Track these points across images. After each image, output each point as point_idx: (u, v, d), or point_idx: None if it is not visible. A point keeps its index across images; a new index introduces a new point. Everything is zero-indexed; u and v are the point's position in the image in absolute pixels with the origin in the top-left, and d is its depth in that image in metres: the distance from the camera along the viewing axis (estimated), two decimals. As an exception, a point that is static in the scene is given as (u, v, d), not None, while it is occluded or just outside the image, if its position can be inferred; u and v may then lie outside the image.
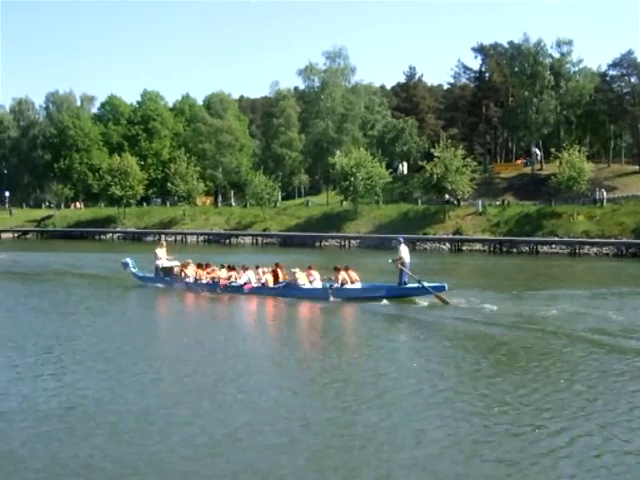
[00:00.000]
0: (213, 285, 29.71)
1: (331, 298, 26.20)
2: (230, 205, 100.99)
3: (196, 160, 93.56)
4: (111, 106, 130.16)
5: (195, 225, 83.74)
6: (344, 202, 79.35)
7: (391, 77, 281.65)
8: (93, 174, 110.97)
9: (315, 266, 29.05)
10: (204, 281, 30.18)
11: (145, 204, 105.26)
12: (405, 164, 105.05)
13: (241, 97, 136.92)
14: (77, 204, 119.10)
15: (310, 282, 27.56)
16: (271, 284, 28.23)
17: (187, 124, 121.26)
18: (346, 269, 27.43)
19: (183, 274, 31.29)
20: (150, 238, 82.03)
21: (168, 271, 32.27)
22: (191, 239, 78.79)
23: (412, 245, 63.24)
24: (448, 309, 23.88)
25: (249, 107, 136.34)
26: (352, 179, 72.67)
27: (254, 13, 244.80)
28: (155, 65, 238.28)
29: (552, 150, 71.02)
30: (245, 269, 29.59)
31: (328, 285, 26.94)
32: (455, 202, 70.98)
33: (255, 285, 28.63)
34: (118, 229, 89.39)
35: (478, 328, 20.39)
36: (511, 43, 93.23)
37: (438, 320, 22.01)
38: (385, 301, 25.95)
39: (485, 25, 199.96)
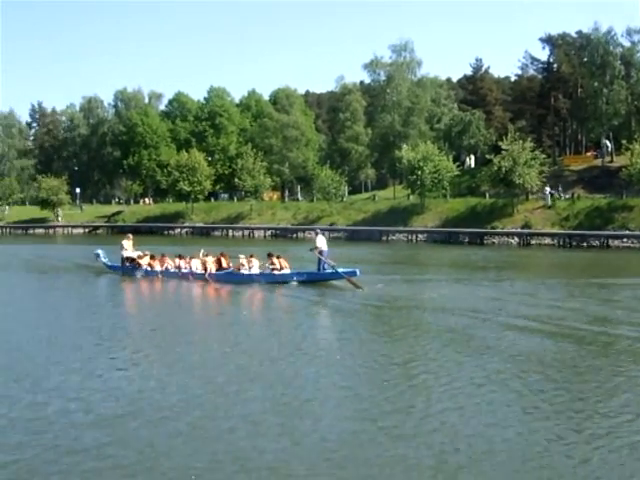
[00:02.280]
0: (166, 272, 34.45)
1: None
2: (297, 200, 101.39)
3: (263, 155, 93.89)
4: (178, 103, 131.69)
5: (262, 220, 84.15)
6: (411, 196, 79.01)
7: (457, 70, 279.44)
8: (161, 170, 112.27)
9: (285, 257, 32.59)
10: (157, 269, 34.93)
11: (213, 199, 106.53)
12: (472, 157, 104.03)
13: (307, 92, 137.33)
14: (146, 200, 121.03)
15: (250, 269, 31.67)
16: (213, 271, 32.54)
17: (253, 120, 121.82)
18: (278, 257, 31.53)
19: (142, 263, 35.97)
20: (218, 233, 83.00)
21: (131, 261, 36.96)
22: (258, 234, 79.19)
23: (480, 239, 63.09)
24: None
25: (315, 102, 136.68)
26: (419, 173, 72.24)
27: (320, 7, 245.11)
28: (221, 61, 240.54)
29: (623, 142, 69.64)
30: (192, 258, 34.12)
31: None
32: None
33: (199, 272, 32.88)
34: (186, 224, 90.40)
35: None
36: (580, 33, 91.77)
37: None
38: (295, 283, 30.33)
39: (552, 15, 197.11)
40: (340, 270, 29.64)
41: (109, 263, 38.29)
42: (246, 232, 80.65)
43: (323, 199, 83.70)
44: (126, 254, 37.29)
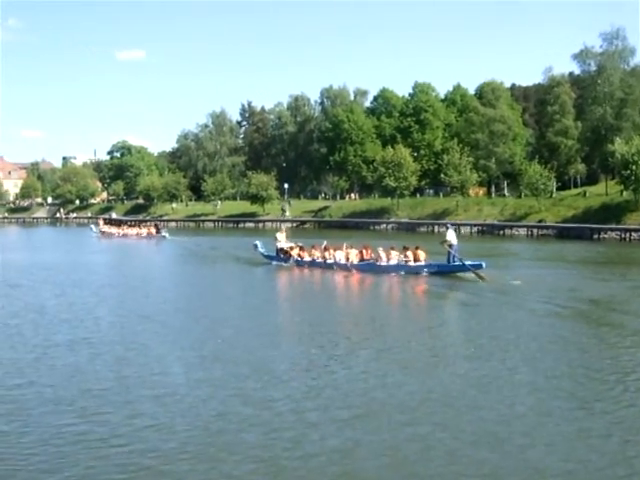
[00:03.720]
0: (313, 262, 38.61)
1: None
2: (503, 196, 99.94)
3: (469, 150, 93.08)
4: (383, 99, 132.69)
5: (468, 216, 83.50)
6: (624, 192, 75.85)
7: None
8: (367, 166, 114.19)
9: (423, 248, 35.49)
10: (306, 259, 39.14)
11: (418, 195, 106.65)
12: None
13: (513, 85, 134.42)
14: (352, 195, 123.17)
15: (388, 260, 34.78)
16: (355, 261, 36.19)
17: (459, 114, 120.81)
18: (416, 248, 34.67)
19: (293, 254, 40.14)
20: (423, 229, 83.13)
21: (284, 251, 41.12)
22: (464, 230, 78.34)
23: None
24: None
25: (521, 95, 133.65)
26: (633, 167, 69.10)
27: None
28: (426, 57, 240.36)
29: None
30: (336, 249, 37.89)
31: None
32: None
33: (342, 262, 36.55)
34: (392, 220, 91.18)
35: None
36: None
37: None
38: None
39: None
40: (467, 263, 32.27)
41: (266, 253, 43.02)
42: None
43: (531, 195, 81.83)
44: (280, 245, 42.03)
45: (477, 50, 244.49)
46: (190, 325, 21.82)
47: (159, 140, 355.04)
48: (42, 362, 16.71)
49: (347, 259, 36.85)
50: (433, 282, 31.42)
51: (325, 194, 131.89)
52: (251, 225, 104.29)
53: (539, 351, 17.35)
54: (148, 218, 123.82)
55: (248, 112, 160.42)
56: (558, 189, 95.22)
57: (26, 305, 25.91)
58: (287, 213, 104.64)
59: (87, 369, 15.97)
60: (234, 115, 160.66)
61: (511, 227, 74.83)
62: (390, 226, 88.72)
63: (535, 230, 72.47)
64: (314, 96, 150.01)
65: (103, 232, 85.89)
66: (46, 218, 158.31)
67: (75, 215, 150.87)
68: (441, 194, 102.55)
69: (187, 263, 49.38)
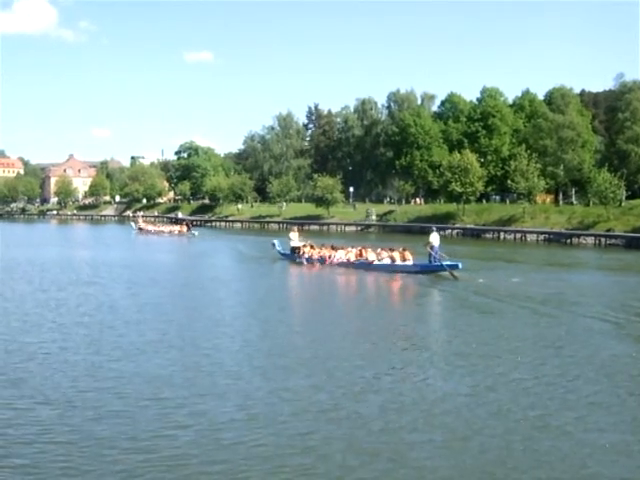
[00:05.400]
0: (319, 260, 43.41)
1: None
2: (571, 203, 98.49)
3: (536, 157, 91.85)
4: (451, 104, 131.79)
5: (535, 223, 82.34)
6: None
7: None
8: (433, 171, 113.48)
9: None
10: (315, 257, 43.94)
11: (484, 201, 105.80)
12: None
13: (582, 91, 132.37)
14: (417, 200, 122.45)
15: (379, 260, 39.39)
16: (352, 260, 41.34)
17: (527, 120, 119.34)
18: (403, 250, 38.95)
19: (303, 252, 44.86)
20: (489, 235, 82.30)
21: (297, 250, 45.85)
22: (530, 237, 77.65)
23: None
24: None
25: (591, 101, 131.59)
26: None
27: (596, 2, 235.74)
28: (495, 61, 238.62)
29: None
30: (336, 249, 43.59)
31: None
32: None
33: (342, 260, 41.79)
34: (457, 225, 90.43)
35: None
36: None
37: None
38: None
39: None
40: (445, 263, 36.15)
41: (282, 251, 48.01)
42: (518, 235, 79.40)
43: (599, 203, 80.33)
44: (293, 244, 46.93)
45: (547, 55, 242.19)
46: (256, 330, 21.83)
47: (226, 141, 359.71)
48: (117, 365, 16.71)
49: (347, 258, 41.72)
50: (433, 281, 34.84)
51: (390, 198, 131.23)
52: (316, 227, 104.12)
53: (611, 366, 17.14)
54: (214, 218, 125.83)
55: (315, 115, 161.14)
56: (627, 198, 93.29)
57: (100, 304, 26.36)
58: (373, 217, 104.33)
59: (161, 375, 15.82)
60: (301, 117, 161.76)
61: (578, 236, 73.56)
62: (455, 232, 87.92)
63: (603, 239, 71.10)
64: (381, 100, 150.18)
65: (141, 229, 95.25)
66: (114, 216, 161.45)
67: (142, 214, 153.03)
68: (507, 201, 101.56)
69: (221, 260, 53.40)
